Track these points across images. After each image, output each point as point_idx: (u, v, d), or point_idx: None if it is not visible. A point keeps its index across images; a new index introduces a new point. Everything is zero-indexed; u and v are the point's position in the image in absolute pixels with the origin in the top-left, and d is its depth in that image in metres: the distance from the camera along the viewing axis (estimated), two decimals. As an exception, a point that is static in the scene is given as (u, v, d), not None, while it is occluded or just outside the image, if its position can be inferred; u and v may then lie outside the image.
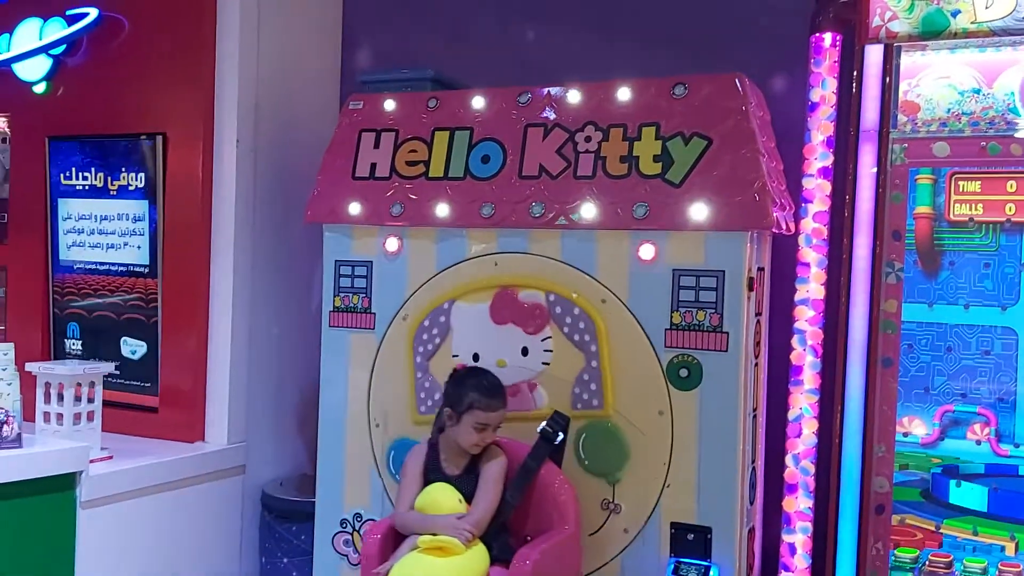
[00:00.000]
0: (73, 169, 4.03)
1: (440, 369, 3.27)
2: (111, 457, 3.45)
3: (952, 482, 2.99)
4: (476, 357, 3.24)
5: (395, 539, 2.92)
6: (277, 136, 3.98)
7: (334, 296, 3.49)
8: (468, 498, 2.87)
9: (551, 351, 3.15)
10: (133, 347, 3.94)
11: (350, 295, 3.46)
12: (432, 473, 2.94)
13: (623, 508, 3.05)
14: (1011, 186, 2.95)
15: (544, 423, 2.99)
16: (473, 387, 2.90)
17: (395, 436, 3.36)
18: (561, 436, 2.98)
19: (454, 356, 3.27)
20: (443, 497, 2.85)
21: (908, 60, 3.04)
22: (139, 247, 3.91)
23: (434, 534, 2.75)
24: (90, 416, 3.42)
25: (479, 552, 2.78)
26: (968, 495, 2.97)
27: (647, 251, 3.01)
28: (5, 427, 3.09)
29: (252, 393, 3.92)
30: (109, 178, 3.95)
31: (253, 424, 3.93)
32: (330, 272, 3.49)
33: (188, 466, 3.68)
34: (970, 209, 3.00)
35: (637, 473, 3.04)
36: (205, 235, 3.81)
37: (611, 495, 3.07)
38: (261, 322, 3.95)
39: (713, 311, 2.95)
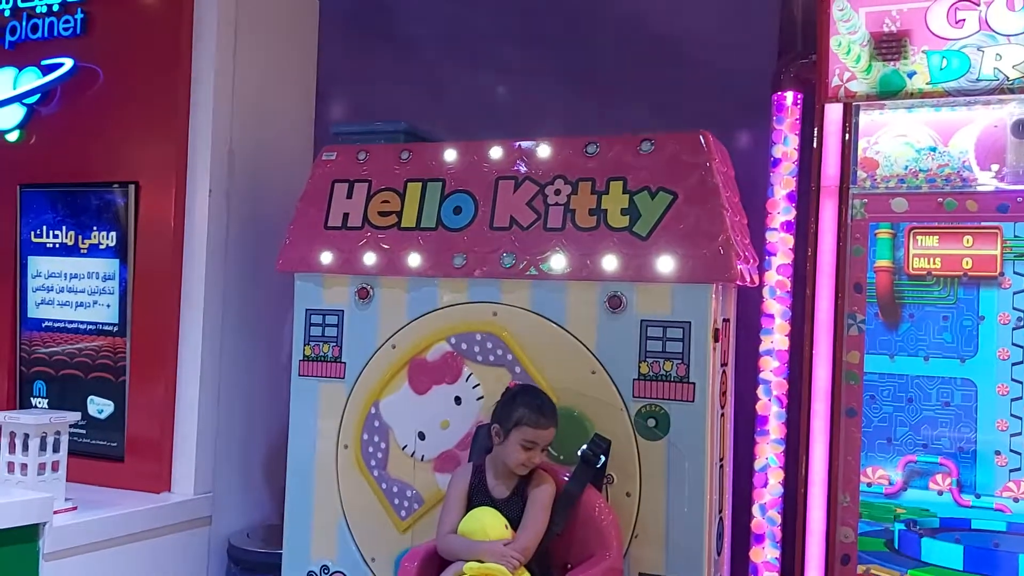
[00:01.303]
0: (44, 227, 4.02)
1: (399, 469, 3.31)
2: (75, 508, 3.41)
3: (923, 539, 3.00)
4: (422, 435, 3.28)
5: (434, 566, 2.82)
6: (250, 185, 4.02)
7: (304, 345, 3.50)
8: (514, 522, 2.76)
9: (479, 384, 3.20)
10: (100, 406, 3.91)
11: (320, 344, 3.47)
12: (477, 496, 2.84)
13: (615, 478, 3.02)
14: (967, 241, 3.03)
15: (584, 446, 2.91)
16: (523, 404, 2.80)
17: (393, 555, 3.31)
18: (603, 459, 2.90)
19: (403, 448, 3.31)
20: (490, 522, 2.74)
21: (867, 118, 3.15)
22: (108, 305, 3.90)
23: (480, 560, 2.67)
24: (55, 466, 3.38)
25: None
26: (941, 552, 2.98)
27: (615, 302, 3.06)
28: (-32, 477, 3.05)
29: (220, 443, 3.90)
30: (80, 236, 3.95)
31: (220, 474, 3.90)
32: (301, 321, 3.51)
33: (154, 517, 3.63)
34: (928, 263, 3.08)
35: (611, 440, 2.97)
36: (175, 285, 3.82)
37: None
38: (230, 371, 3.94)
39: (680, 361, 2.99)
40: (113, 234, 3.87)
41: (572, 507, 2.83)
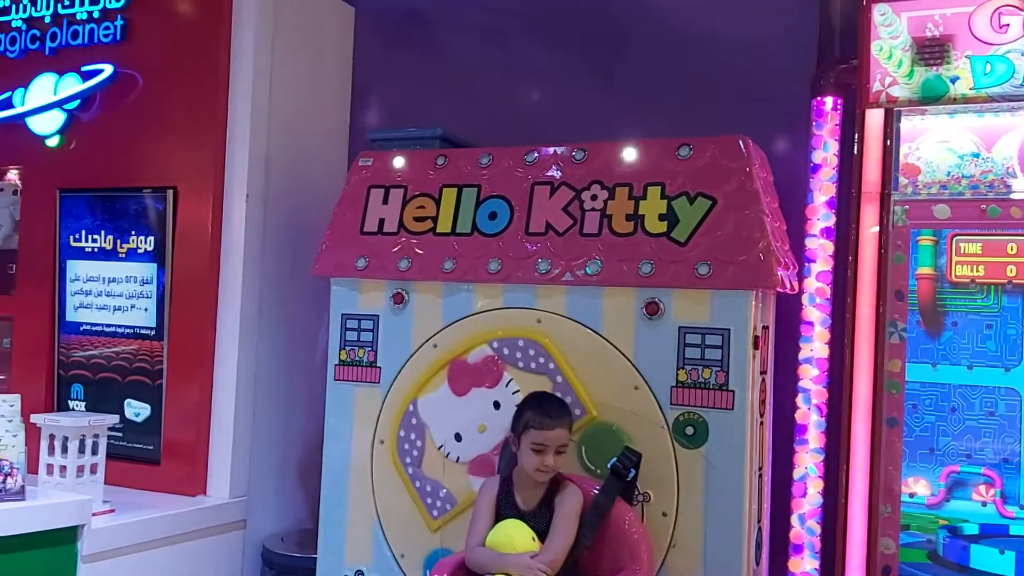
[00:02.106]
0: (83, 231, 4.06)
1: (433, 468, 3.31)
2: (113, 511, 3.43)
3: (972, 546, 2.94)
4: (459, 437, 3.27)
5: None
6: (286, 190, 4.04)
7: (340, 349, 3.51)
8: (541, 534, 2.74)
9: (518, 391, 3.16)
10: (137, 409, 3.93)
11: (356, 348, 3.48)
12: (505, 507, 2.83)
13: (652, 495, 2.99)
14: (1011, 248, 2.99)
15: (615, 459, 2.89)
16: (529, 407, 2.82)
17: (423, 554, 3.33)
18: (632, 472, 2.87)
19: (439, 448, 3.30)
20: (517, 534, 2.73)
21: (908, 124, 3.11)
22: (146, 309, 3.92)
23: (508, 573, 2.66)
24: (93, 469, 3.41)
25: None
26: (992, 560, 2.93)
27: (653, 308, 3.03)
28: (9, 479, 3.08)
29: (255, 447, 3.92)
30: (119, 241, 3.98)
31: (255, 478, 3.92)
32: (336, 325, 3.52)
33: (189, 520, 3.65)
34: (971, 271, 3.04)
35: (649, 457, 2.95)
36: (213, 289, 3.84)
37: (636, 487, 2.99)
38: (266, 375, 3.96)
39: (719, 369, 2.96)
40: (151, 239, 3.91)
41: (601, 520, 2.81)
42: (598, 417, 3.06)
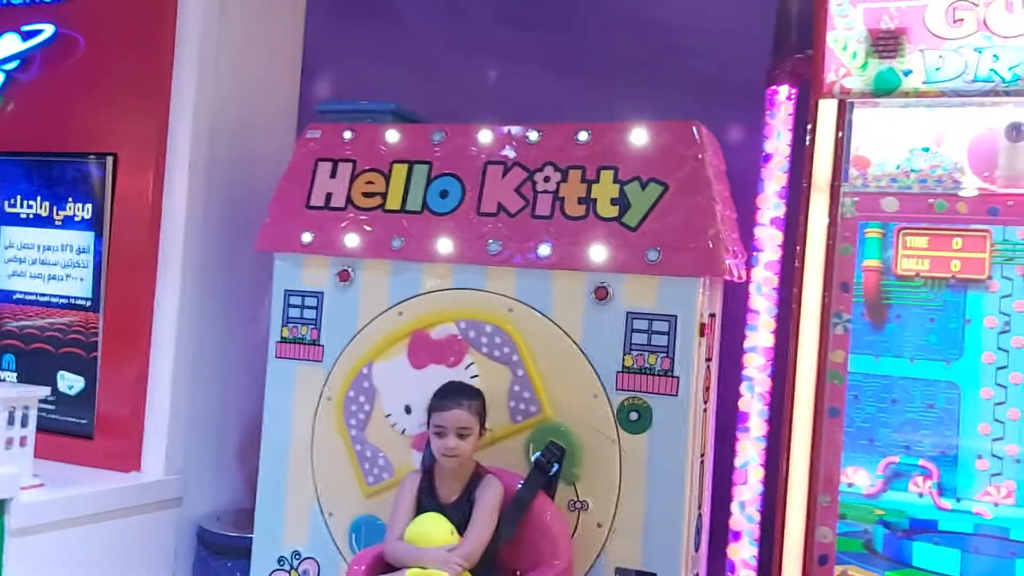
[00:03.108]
0: (19, 197, 3.93)
1: (377, 435, 3.26)
2: (42, 485, 3.33)
3: (914, 544, 2.96)
4: (408, 409, 3.22)
5: (382, 570, 2.80)
6: (232, 161, 3.94)
7: (282, 326, 3.43)
8: (461, 527, 2.76)
9: (477, 375, 3.13)
10: (70, 382, 3.82)
11: (299, 326, 3.41)
12: (426, 500, 2.85)
13: (591, 504, 3.00)
14: (957, 243, 3.01)
15: (539, 453, 2.93)
16: (433, 394, 2.87)
17: (351, 517, 3.29)
18: (556, 467, 2.90)
19: (387, 416, 3.25)
20: (435, 528, 2.75)
21: (861, 116, 3.11)
22: (82, 279, 3.81)
23: (423, 567, 2.65)
24: (22, 441, 3.30)
25: None
26: (937, 557, 2.96)
27: (602, 293, 3.02)
28: (-69, 450, 2.97)
29: (193, 423, 3.83)
30: (55, 208, 3.86)
31: (192, 455, 3.83)
32: (279, 302, 3.44)
33: (122, 497, 3.56)
34: (917, 264, 3.06)
35: (594, 468, 2.99)
36: (152, 260, 3.74)
37: (575, 494, 3.02)
38: (205, 351, 3.87)
39: (665, 355, 2.95)
40: (89, 206, 3.79)
41: (522, 514, 2.83)
42: (551, 417, 3.05)
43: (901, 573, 2.98)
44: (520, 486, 2.87)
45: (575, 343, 3.05)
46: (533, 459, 2.91)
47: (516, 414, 3.10)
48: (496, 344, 3.14)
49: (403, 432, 3.24)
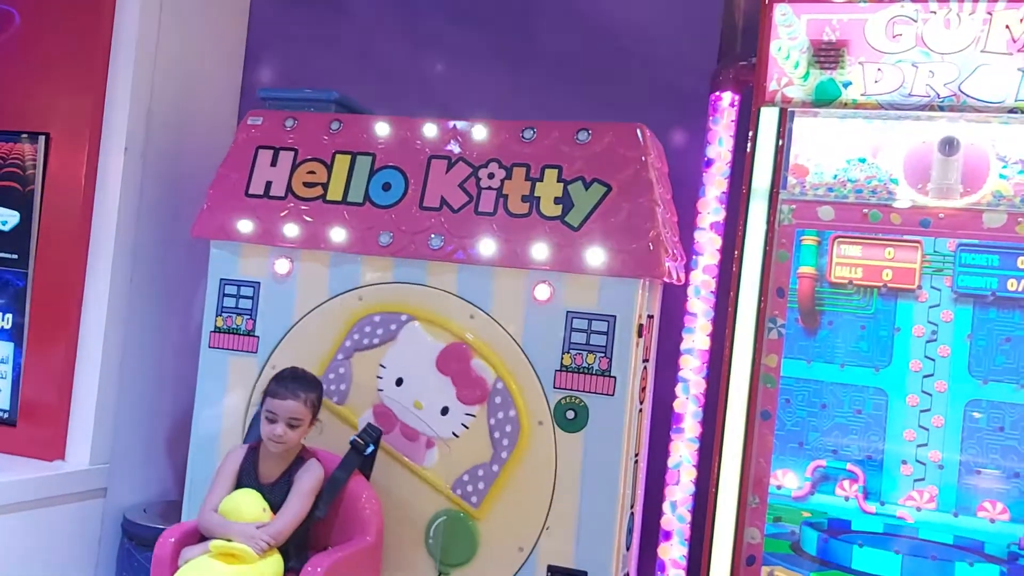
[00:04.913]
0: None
1: (361, 368, 3.19)
2: (-41, 472, 3.23)
3: (854, 547, 3.01)
4: (399, 382, 3.17)
5: (193, 542, 2.82)
6: (169, 146, 3.85)
7: (216, 316, 3.37)
8: (277, 507, 2.81)
9: (467, 428, 3.09)
10: (-7, 355, 3.71)
11: (233, 316, 3.35)
12: (246, 477, 2.88)
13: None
14: (889, 253, 3.09)
15: (355, 434, 2.98)
16: (273, 377, 2.92)
17: None
18: (371, 448, 2.97)
19: (381, 366, 3.18)
20: (246, 504, 2.79)
21: (801, 125, 3.17)
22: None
23: (229, 539, 2.68)
24: (-61, 427, 3.20)
25: (273, 563, 2.72)
26: (875, 561, 3.01)
27: (543, 291, 3.02)
28: None
29: (120, 412, 3.73)
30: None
31: (119, 445, 3.73)
32: (214, 291, 3.38)
33: (44, 486, 3.46)
34: (850, 272, 3.13)
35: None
36: (83, 244, 3.64)
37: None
38: (136, 338, 3.78)
39: (603, 355, 2.97)
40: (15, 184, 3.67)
41: (337, 493, 2.90)
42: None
43: (827, 574, 3.05)
44: (336, 467, 2.92)
45: (515, 341, 3.05)
46: (350, 441, 2.96)
47: (458, 487, 3.09)
48: (504, 430, 3.06)
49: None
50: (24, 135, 3.67)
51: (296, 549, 2.81)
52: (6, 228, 3.70)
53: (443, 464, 3.11)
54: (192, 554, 2.72)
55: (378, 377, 3.18)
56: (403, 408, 3.15)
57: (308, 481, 2.83)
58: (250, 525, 2.72)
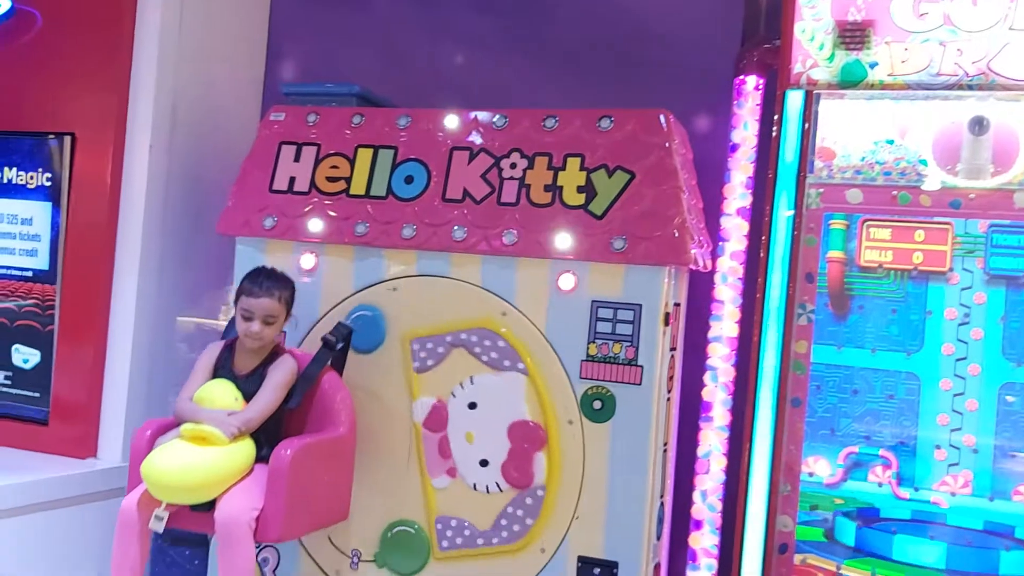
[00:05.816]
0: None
1: (455, 363, 3.12)
2: (-6, 471, 3.27)
3: (896, 538, 2.97)
4: (473, 405, 3.10)
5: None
6: (193, 143, 3.87)
7: (244, 311, 3.38)
8: (251, 398, 2.85)
9: (487, 492, 3.05)
10: (26, 355, 3.75)
11: (261, 311, 3.35)
12: (222, 369, 2.94)
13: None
14: (919, 235, 3.04)
15: (328, 332, 3.03)
16: (246, 276, 2.96)
17: None
18: (341, 344, 3.02)
19: (471, 379, 3.12)
20: (219, 392, 2.84)
21: (827, 107, 3.12)
22: (39, 251, 3.72)
23: (199, 423, 2.72)
24: (-26, 427, 3.24)
25: (243, 448, 2.76)
26: (915, 549, 2.96)
27: (567, 281, 3.01)
28: None
29: (151, 409, 3.76)
30: (11, 177, 3.76)
31: (150, 441, 3.77)
32: (241, 286, 3.39)
33: (78, 484, 3.50)
34: (880, 256, 3.09)
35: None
36: (110, 242, 3.67)
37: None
38: (164, 335, 3.81)
39: (629, 344, 2.95)
40: (48, 175, 3.70)
41: (309, 385, 2.97)
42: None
43: (860, 562, 3.01)
44: (308, 363, 2.99)
45: (531, 322, 3.02)
46: (321, 338, 3.01)
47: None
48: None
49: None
50: (50, 135, 3.70)
51: (269, 440, 2.84)
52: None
53: (446, 496, 3.08)
54: (165, 439, 2.78)
55: (461, 384, 3.13)
56: (457, 427, 3.12)
57: (281, 374, 2.89)
58: (222, 412, 2.77)
